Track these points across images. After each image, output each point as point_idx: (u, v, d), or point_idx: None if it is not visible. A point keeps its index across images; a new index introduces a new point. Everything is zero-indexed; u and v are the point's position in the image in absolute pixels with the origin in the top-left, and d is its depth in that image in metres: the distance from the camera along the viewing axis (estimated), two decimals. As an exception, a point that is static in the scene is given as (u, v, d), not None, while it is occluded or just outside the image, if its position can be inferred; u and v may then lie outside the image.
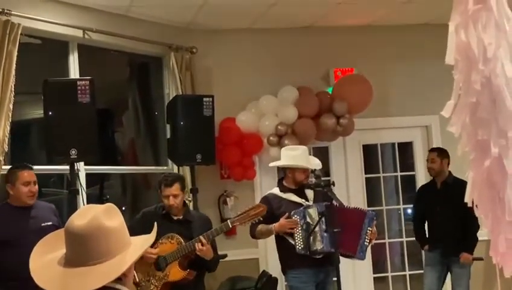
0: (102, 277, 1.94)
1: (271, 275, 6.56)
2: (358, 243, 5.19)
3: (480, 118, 2.57)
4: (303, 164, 5.38)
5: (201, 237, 4.83)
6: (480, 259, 6.40)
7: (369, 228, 5.22)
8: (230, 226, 4.97)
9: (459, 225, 6.25)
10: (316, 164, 5.53)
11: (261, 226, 5.38)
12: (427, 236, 6.64)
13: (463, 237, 6.28)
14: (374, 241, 5.43)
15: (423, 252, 6.76)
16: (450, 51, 2.65)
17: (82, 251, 1.97)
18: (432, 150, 6.76)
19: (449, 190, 6.34)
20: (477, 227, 6.12)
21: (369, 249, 7.05)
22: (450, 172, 6.49)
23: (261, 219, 4.98)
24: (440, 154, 6.53)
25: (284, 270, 5.47)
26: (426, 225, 6.65)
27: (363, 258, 5.36)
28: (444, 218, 6.32)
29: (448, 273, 6.56)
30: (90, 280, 1.93)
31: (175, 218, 5.04)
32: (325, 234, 5.11)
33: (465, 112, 2.64)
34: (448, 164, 6.49)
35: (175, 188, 5.00)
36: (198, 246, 4.81)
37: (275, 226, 5.28)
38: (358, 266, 7.28)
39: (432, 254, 6.53)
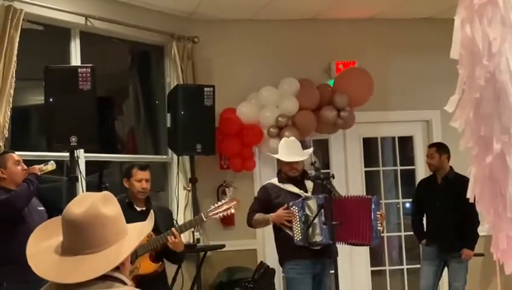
0: (100, 266, 1.93)
1: (268, 266, 6.57)
2: (372, 231, 5.16)
3: (484, 114, 2.56)
4: (279, 157, 5.44)
5: (173, 230, 4.78)
6: (481, 255, 6.41)
7: (378, 212, 5.21)
8: (204, 219, 4.94)
9: (458, 221, 6.26)
10: (299, 155, 5.44)
11: (258, 215, 5.39)
12: (425, 230, 6.63)
13: (462, 233, 6.28)
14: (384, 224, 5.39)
15: (421, 246, 6.75)
16: (455, 45, 2.63)
17: (79, 239, 1.96)
18: (431, 145, 6.74)
19: (450, 186, 6.33)
20: (477, 223, 6.12)
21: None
22: (451, 167, 6.47)
23: (233, 211, 4.95)
24: (438, 149, 6.52)
25: (281, 262, 5.48)
26: (425, 219, 6.65)
27: (378, 243, 5.36)
28: (444, 213, 6.31)
29: (446, 268, 6.56)
30: (87, 269, 1.91)
31: (138, 209, 4.94)
32: (324, 226, 5.11)
33: (468, 107, 2.62)
34: (449, 159, 6.47)
35: (148, 173, 5.00)
36: (171, 238, 4.74)
37: (272, 216, 5.28)
38: (356, 259, 7.31)
39: (429, 248, 6.53)
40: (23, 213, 4.79)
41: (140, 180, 4.96)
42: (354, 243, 5.35)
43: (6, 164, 4.89)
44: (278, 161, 5.62)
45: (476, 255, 6.36)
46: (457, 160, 6.35)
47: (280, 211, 5.25)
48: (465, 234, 6.27)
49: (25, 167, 4.97)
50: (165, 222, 4.92)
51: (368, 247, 7.28)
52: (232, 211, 4.95)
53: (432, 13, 7.32)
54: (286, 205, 5.24)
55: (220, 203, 4.99)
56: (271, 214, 5.30)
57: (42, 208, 4.99)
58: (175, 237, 4.76)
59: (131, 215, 5.07)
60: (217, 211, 4.93)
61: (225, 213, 4.93)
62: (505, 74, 2.50)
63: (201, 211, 5.40)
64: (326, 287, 5.46)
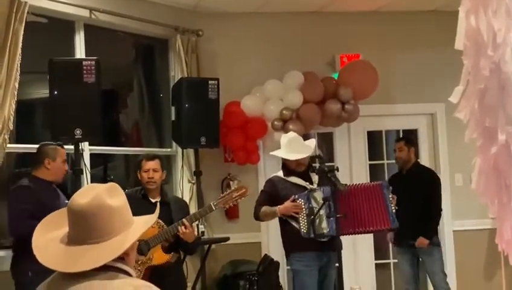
0: (104, 255, 1.94)
1: (273, 259, 6.57)
2: (389, 214, 5.21)
3: (488, 105, 2.56)
4: (282, 155, 5.45)
5: (184, 220, 4.81)
6: (438, 245, 6.45)
7: (389, 196, 5.25)
8: (214, 208, 4.98)
9: (422, 214, 6.28)
10: (303, 151, 5.44)
11: (265, 208, 5.40)
12: None
13: (423, 224, 6.32)
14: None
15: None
16: (459, 36, 2.63)
17: (84, 229, 1.97)
18: (399, 139, 6.79)
19: (413, 178, 6.39)
20: (438, 214, 6.30)
21: (371, 236, 7.14)
22: (416, 160, 6.51)
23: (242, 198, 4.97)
24: (407, 143, 6.55)
25: (287, 254, 5.49)
26: None
27: (397, 225, 5.36)
28: (407, 207, 6.30)
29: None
30: (92, 258, 1.93)
31: (153, 201, 4.98)
32: (331, 218, 5.12)
33: (473, 98, 2.62)
34: (415, 152, 6.51)
35: (156, 163, 5.05)
36: (182, 229, 4.78)
37: (279, 208, 5.29)
38: (360, 252, 7.32)
39: (398, 243, 6.59)
40: (53, 207, 4.81)
41: (147, 170, 5.01)
42: (373, 230, 5.43)
43: (56, 157, 4.98)
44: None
45: (431, 243, 6.35)
46: (459, 156, 6.34)
47: (288, 203, 5.25)
48: (424, 224, 6.31)
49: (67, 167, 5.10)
50: (180, 213, 4.96)
51: (372, 240, 7.38)
52: (242, 198, 4.96)
53: (437, 6, 7.30)
54: (293, 197, 5.25)
55: (228, 191, 4.99)
56: (278, 206, 5.31)
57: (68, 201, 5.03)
58: (186, 228, 4.79)
59: (146, 207, 5.09)
60: (226, 200, 4.94)
61: (235, 201, 4.96)
62: (509, 64, 2.50)
63: (207, 202, 5.42)
64: (331, 280, 5.47)
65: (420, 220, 6.30)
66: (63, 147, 5.09)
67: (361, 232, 5.45)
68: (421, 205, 6.28)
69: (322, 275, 5.38)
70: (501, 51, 2.50)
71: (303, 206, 5.19)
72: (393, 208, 5.24)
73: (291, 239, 5.37)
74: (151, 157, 5.13)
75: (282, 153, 5.47)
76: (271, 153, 5.64)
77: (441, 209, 6.44)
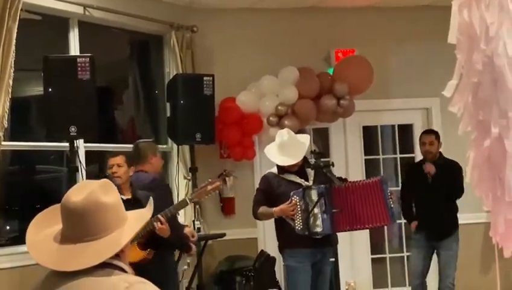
0: (99, 254, 1.93)
1: (269, 255, 6.58)
2: (388, 211, 5.15)
3: (482, 98, 2.56)
4: (275, 161, 5.39)
5: (159, 216, 4.77)
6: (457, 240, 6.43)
7: (388, 191, 5.20)
8: (189, 203, 4.98)
9: (447, 209, 6.28)
10: (295, 155, 5.38)
11: (262, 208, 5.37)
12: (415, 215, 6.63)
13: (450, 220, 6.31)
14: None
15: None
16: (452, 30, 2.63)
17: (78, 227, 1.96)
18: (429, 132, 6.66)
19: (440, 172, 6.33)
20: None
21: (367, 230, 7.13)
22: (440, 153, 6.49)
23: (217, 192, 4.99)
24: (437, 136, 6.52)
25: (281, 250, 5.47)
26: (414, 206, 6.63)
27: (396, 221, 5.38)
28: (433, 201, 6.31)
29: (435, 255, 6.55)
30: (87, 257, 1.92)
31: (124, 198, 4.83)
32: (325, 216, 5.10)
33: (467, 92, 2.63)
34: (441, 145, 6.51)
35: (120, 158, 5.02)
36: (157, 225, 4.73)
37: (275, 210, 5.26)
38: (356, 247, 7.32)
39: (418, 235, 6.53)
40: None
41: (112, 166, 5.00)
42: (371, 227, 5.43)
43: (156, 153, 5.49)
44: None
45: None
46: (454, 150, 6.33)
47: (284, 206, 5.20)
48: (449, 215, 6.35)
49: None
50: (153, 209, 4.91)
51: (369, 235, 7.38)
52: (216, 191, 4.93)
53: (431, 0, 7.29)
54: (290, 200, 5.21)
55: (202, 185, 4.98)
56: (274, 208, 5.28)
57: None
58: (161, 223, 4.75)
59: None
60: (200, 193, 4.93)
61: (209, 195, 4.94)
62: (502, 58, 2.50)
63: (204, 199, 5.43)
64: (326, 276, 5.47)
65: (446, 217, 6.33)
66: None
67: (358, 229, 5.42)
68: (446, 203, 6.30)
69: (317, 271, 5.36)
70: (494, 44, 2.51)
71: (298, 203, 5.17)
72: (392, 204, 5.21)
73: (285, 235, 5.35)
74: (115, 154, 5.14)
75: (274, 156, 5.42)
76: (265, 150, 5.60)
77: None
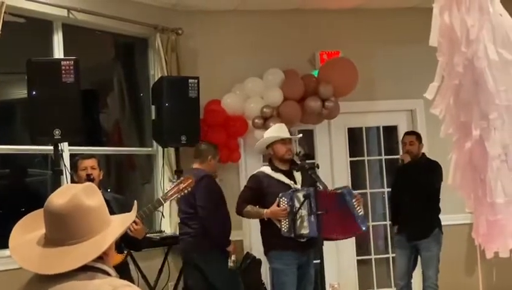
0: (82, 256, 1.93)
1: (255, 257, 6.58)
2: (356, 220, 5.23)
3: (463, 100, 2.58)
4: (276, 134, 5.44)
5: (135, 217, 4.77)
6: (438, 242, 6.45)
7: (353, 201, 5.25)
8: (163, 202, 4.94)
9: (427, 209, 6.30)
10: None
11: (250, 207, 5.37)
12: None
13: (429, 221, 6.35)
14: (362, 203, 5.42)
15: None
16: (434, 33, 2.65)
17: (62, 230, 1.96)
18: (410, 133, 6.74)
19: (418, 173, 6.36)
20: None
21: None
22: (423, 154, 6.53)
23: (190, 189, 4.94)
24: (418, 137, 6.57)
25: (267, 253, 5.47)
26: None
27: (366, 227, 5.46)
28: (410, 201, 6.34)
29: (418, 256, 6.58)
30: (70, 260, 1.92)
31: None
32: (312, 219, 5.10)
33: (448, 94, 2.64)
34: (422, 146, 6.56)
35: (93, 161, 5.04)
36: (132, 226, 4.66)
37: (266, 212, 5.27)
38: (342, 248, 7.33)
39: (399, 236, 6.58)
40: None
41: (85, 168, 5.00)
42: (347, 237, 5.56)
43: (216, 156, 6.04)
44: (270, 147, 5.54)
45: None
46: (438, 152, 6.36)
47: (275, 209, 5.22)
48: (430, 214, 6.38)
49: None
50: (122, 211, 4.87)
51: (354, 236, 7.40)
52: (189, 189, 4.91)
53: (416, 3, 7.33)
54: (278, 200, 5.22)
55: (175, 183, 4.96)
56: (265, 210, 5.28)
57: None
58: (136, 224, 4.69)
59: None
60: (174, 192, 4.90)
61: (182, 193, 4.90)
62: (483, 60, 2.52)
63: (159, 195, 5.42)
64: (310, 277, 5.48)
65: (424, 217, 6.35)
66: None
67: (338, 239, 5.57)
68: (426, 202, 6.33)
69: (302, 273, 5.37)
70: (474, 47, 2.53)
71: (286, 205, 5.18)
72: (359, 210, 5.26)
73: (270, 237, 5.35)
74: (87, 156, 5.14)
75: (273, 133, 5.46)
76: (265, 135, 5.63)
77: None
